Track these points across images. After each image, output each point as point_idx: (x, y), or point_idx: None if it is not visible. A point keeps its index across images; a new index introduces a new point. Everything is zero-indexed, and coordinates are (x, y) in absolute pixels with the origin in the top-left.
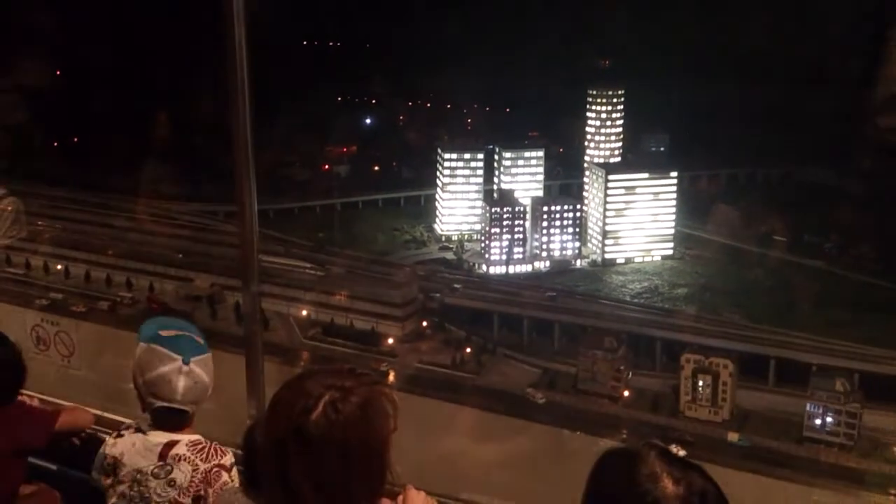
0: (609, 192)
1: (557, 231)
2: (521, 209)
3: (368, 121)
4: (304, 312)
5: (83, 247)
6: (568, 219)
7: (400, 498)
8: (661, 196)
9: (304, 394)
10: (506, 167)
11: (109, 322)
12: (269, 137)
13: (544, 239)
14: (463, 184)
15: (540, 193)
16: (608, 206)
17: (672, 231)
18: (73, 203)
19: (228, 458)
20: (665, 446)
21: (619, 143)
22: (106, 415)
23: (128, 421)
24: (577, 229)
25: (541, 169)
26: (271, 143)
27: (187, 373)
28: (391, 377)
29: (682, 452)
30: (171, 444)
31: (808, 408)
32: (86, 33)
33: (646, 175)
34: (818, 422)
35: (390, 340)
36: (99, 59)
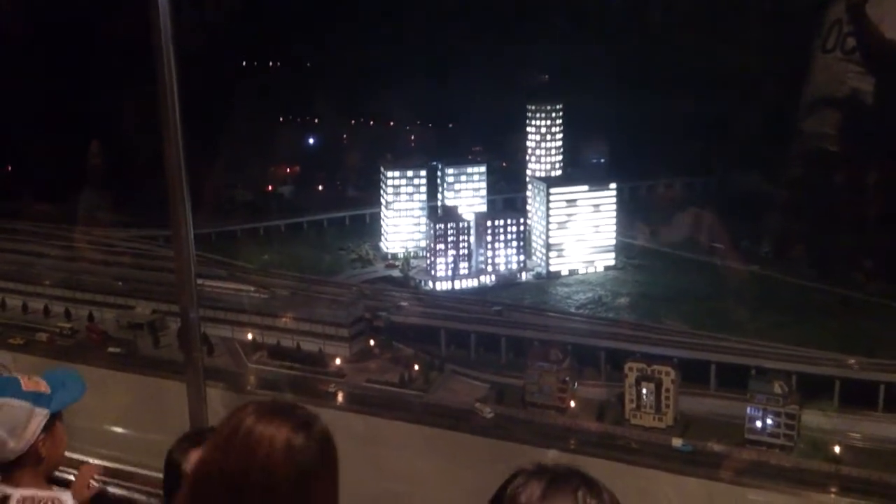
0: (551, 205)
1: (502, 245)
2: (465, 224)
3: (311, 140)
4: (250, 336)
5: (20, 278)
6: (512, 233)
7: None
8: (601, 207)
9: (274, 428)
10: (449, 183)
11: (48, 354)
12: (211, 160)
13: (489, 253)
14: (407, 201)
15: (484, 208)
16: (551, 219)
17: (613, 241)
18: (7, 233)
19: None
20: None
21: (560, 157)
22: None
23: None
24: (522, 243)
25: (484, 184)
26: (213, 166)
27: None
28: (339, 398)
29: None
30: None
31: (748, 411)
32: (14, 59)
33: (586, 188)
34: (759, 424)
35: (338, 361)
36: (30, 85)
